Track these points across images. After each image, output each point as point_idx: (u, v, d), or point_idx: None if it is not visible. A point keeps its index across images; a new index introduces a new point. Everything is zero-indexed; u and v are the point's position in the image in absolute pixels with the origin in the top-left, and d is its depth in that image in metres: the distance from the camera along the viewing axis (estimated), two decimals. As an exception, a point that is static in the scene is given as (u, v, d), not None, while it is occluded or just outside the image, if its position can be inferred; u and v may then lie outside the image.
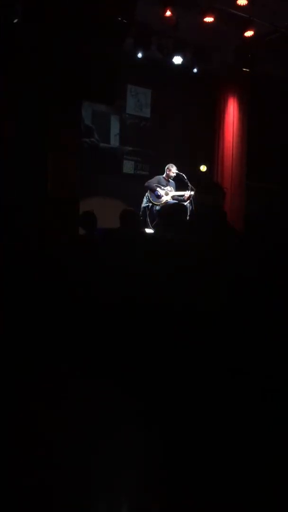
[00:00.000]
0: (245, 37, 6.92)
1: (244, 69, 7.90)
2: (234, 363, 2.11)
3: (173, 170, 7.14)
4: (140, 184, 7.48)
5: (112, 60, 5.75)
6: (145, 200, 7.25)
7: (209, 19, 6.48)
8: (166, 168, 7.21)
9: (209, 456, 2.00)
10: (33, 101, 5.43)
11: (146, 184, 7.23)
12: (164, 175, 7.23)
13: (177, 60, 7.44)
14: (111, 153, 8.35)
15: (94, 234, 4.75)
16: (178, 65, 7.53)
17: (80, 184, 6.22)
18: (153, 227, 6.88)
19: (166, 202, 7.01)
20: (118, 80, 6.26)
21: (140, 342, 2.51)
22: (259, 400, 2.03)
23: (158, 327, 2.42)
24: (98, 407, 2.43)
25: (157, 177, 7.27)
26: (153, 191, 7.12)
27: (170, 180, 7.24)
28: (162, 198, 7.09)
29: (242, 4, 6.30)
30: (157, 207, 7.07)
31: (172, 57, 7.43)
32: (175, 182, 7.28)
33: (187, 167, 7.63)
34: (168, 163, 7.26)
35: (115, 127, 8.44)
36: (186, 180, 7.03)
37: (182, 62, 7.49)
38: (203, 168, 8.50)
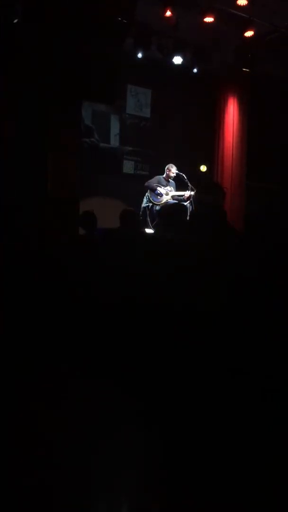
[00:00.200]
0: (245, 37, 6.92)
1: (244, 69, 7.90)
2: (234, 363, 2.11)
3: (173, 170, 7.14)
4: (140, 184, 7.49)
5: (112, 60, 5.75)
6: (145, 200, 7.25)
7: (209, 19, 6.48)
8: (166, 168, 7.21)
9: (209, 456, 2.00)
10: (33, 101, 5.43)
11: (146, 183, 7.23)
12: (164, 175, 7.23)
13: (177, 60, 7.44)
14: (111, 153, 8.35)
15: (94, 234, 4.75)
16: (178, 65, 7.53)
17: (80, 184, 6.22)
18: (153, 227, 6.88)
19: (166, 202, 7.01)
20: (118, 80, 6.26)
21: (140, 342, 2.51)
22: (259, 400, 2.03)
23: (158, 327, 2.42)
24: (98, 407, 2.43)
25: (157, 177, 7.28)
26: (153, 190, 7.12)
27: (170, 180, 7.24)
28: (162, 197, 7.09)
29: (242, 4, 6.30)
30: (157, 207, 7.07)
31: (172, 57, 7.43)
32: (175, 182, 7.28)
33: (187, 167, 7.64)
34: (168, 163, 7.26)
35: (115, 127, 8.44)
36: (186, 180, 7.03)
37: (182, 62, 7.49)
38: (203, 168, 8.51)
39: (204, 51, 7.50)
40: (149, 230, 6.71)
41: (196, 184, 6.90)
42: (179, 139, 8.49)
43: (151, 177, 7.48)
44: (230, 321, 2.19)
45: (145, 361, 2.44)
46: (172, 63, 7.50)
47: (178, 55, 7.40)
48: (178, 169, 7.17)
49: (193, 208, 6.70)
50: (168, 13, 6.32)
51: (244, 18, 6.71)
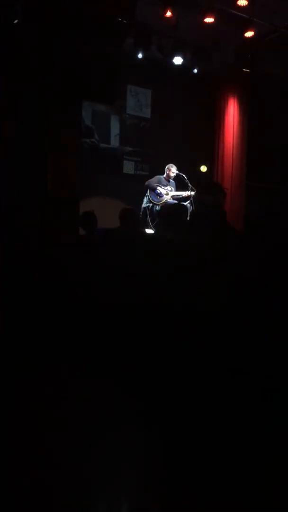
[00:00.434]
0: (245, 37, 6.92)
1: (244, 69, 7.90)
2: (234, 363, 2.11)
3: (173, 170, 7.14)
4: (140, 184, 7.49)
5: (112, 60, 5.75)
6: (145, 200, 7.25)
7: (209, 20, 6.47)
8: (166, 168, 7.21)
9: (209, 456, 2.00)
10: (33, 101, 5.43)
11: (146, 183, 7.23)
12: (164, 175, 7.23)
13: (177, 60, 7.44)
14: (111, 153, 8.35)
15: (94, 234, 4.75)
16: (178, 65, 7.53)
17: (80, 184, 6.22)
18: (153, 227, 6.88)
19: (166, 202, 7.01)
20: (118, 80, 6.26)
21: (140, 342, 2.51)
22: (259, 400, 2.03)
23: (158, 327, 2.42)
24: (98, 407, 2.43)
25: (158, 177, 7.28)
26: (153, 190, 7.12)
27: (171, 180, 7.24)
28: (163, 197, 7.09)
29: (242, 5, 6.30)
30: (157, 207, 7.07)
31: (172, 57, 7.42)
32: (175, 182, 7.28)
33: (187, 167, 7.63)
34: (168, 163, 7.26)
35: (115, 128, 8.44)
36: (186, 180, 7.03)
37: (182, 62, 7.49)
38: (203, 168, 8.51)
39: (204, 51, 7.50)
40: (149, 230, 6.72)
41: (196, 184, 6.90)
42: (179, 139, 8.49)
43: (151, 177, 7.47)
44: (230, 321, 2.19)
45: (145, 361, 2.44)
46: (172, 63, 7.50)
47: (178, 55, 7.40)
48: (178, 169, 7.17)
49: (193, 208, 6.70)
50: (169, 14, 6.31)
51: (244, 18, 6.70)
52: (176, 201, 6.95)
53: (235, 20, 6.71)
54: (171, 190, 7.18)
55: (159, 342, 2.38)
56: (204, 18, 6.47)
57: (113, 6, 5.49)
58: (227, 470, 1.93)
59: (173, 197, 7.14)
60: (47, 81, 5.33)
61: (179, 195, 7.10)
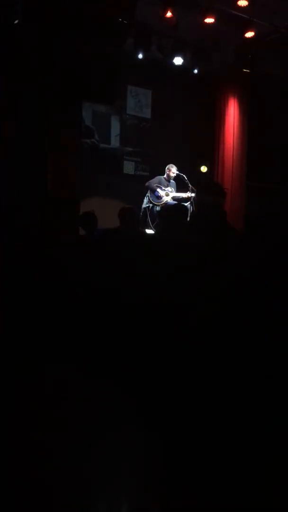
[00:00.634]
0: (245, 37, 6.92)
1: (244, 70, 7.89)
2: (234, 363, 2.11)
3: (173, 170, 7.14)
4: (140, 185, 7.49)
5: (112, 60, 5.75)
6: (145, 200, 7.25)
7: (209, 20, 6.47)
8: (166, 168, 7.21)
9: (209, 456, 2.00)
10: (33, 101, 5.44)
11: (146, 184, 7.23)
12: (164, 176, 7.23)
13: (178, 61, 7.44)
14: (111, 153, 8.35)
15: (94, 234, 4.75)
16: (178, 66, 7.53)
17: (80, 184, 6.22)
18: (153, 228, 6.88)
19: (167, 203, 7.01)
20: (118, 80, 6.27)
21: (140, 342, 2.51)
22: (259, 400, 2.03)
23: (158, 327, 2.42)
24: (98, 407, 2.43)
25: (158, 177, 7.27)
26: (153, 191, 7.12)
27: (171, 181, 7.24)
28: (163, 198, 7.09)
29: (242, 5, 6.29)
30: (158, 208, 7.07)
31: (172, 58, 7.43)
32: (175, 183, 7.28)
33: (187, 167, 7.63)
34: (168, 164, 7.26)
35: (115, 128, 8.44)
36: (187, 181, 7.03)
37: (182, 62, 7.49)
38: (203, 168, 8.51)
39: (204, 51, 7.50)
40: (149, 231, 6.71)
41: (196, 184, 6.90)
42: (179, 140, 8.49)
43: (151, 177, 7.47)
44: (230, 321, 2.19)
45: (145, 361, 2.44)
46: (172, 64, 7.50)
47: (178, 56, 7.40)
48: (178, 170, 7.16)
49: (194, 208, 6.70)
50: (169, 14, 6.30)
51: (244, 18, 6.70)
52: (176, 202, 6.95)
53: (235, 20, 6.71)
54: (171, 191, 7.18)
55: (159, 342, 2.38)
56: (204, 18, 6.47)
57: (113, 6, 5.50)
58: (227, 470, 1.93)
59: (173, 198, 7.14)
60: (47, 81, 5.33)
61: (179, 196, 7.10)
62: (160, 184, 7.15)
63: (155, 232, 6.56)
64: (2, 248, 3.69)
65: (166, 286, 2.47)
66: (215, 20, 6.47)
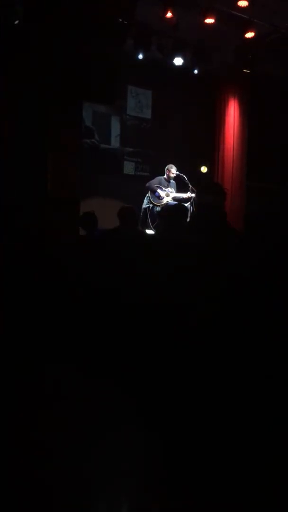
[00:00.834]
0: (245, 37, 6.92)
1: (244, 70, 7.89)
2: (234, 363, 2.11)
3: (172, 170, 7.13)
4: (140, 185, 7.48)
5: (112, 60, 5.75)
6: (145, 201, 7.24)
7: (209, 21, 6.46)
8: (165, 169, 7.20)
9: (209, 456, 2.00)
10: (33, 101, 5.44)
11: (147, 184, 7.22)
12: (164, 176, 7.23)
13: (178, 61, 7.44)
14: (111, 154, 8.35)
15: (95, 234, 4.75)
16: (178, 66, 7.53)
17: (80, 184, 6.22)
18: (153, 228, 6.88)
19: (167, 203, 7.01)
20: (118, 80, 6.27)
21: (140, 342, 2.51)
22: (259, 400, 2.03)
23: (158, 327, 2.42)
24: (98, 407, 2.43)
25: (158, 177, 7.27)
26: (153, 192, 7.12)
27: (171, 181, 7.24)
28: (163, 199, 7.09)
29: (242, 6, 6.29)
30: (158, 208, 7.06)
31: (172, 58, 7.42)
32: (175, 183, 7.28)
33: (187, 167, 7.63)
34: (168, 164, 7.26)
35: (115, 128, 8.44)
36: (187, 181, 7.03)
37: (183, 63, 7.49)
38: (203, 169, 8.50)
39: (204, 51, 7.50)
40: (149, 231, 6.71)
41: (196, 185, 6.89)
42: (179, 140, 8.49)
43: (151, 178, 7.47)
44: (230, 321, 2.19)
45: (145, 361, 2.44)
46: (173, 64, 7.50)
47: (178, 56, 7.39)
48: (178, 170, 7.16)
49: (194, 209, 6.70)
50: (169, 15, 6.29)
51: (245, 19, 6.70)
52: (176, 202, 6.95)
53: (235, 20, 6.70)
54: (171, 191, 7.17)
55: (159, 342, 2.38)
56: (205, 19, 6.46)
57: (113, 6, 5.50)
58: (227, 470, 1.93)
59: (173, 198, 7.13)
60: (47, 81, 5.33)
61: (179, 197, 7.10)
62: (160, 185, 7.15)
63: (155, 232, 6.55)
64: (2, 248, 3.69)
65: (166, 286, 2.47)
66: (215, 20, 6.46)
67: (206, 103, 8.75)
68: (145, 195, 7.27)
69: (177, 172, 7.12)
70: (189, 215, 6.10)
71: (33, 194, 5.46)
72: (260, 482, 1.86)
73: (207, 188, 3.49)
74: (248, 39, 6.93)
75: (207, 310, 2.23)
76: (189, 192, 7.00)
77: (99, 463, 2.06)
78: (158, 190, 7.08)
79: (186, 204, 6.55)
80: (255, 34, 6.84)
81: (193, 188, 6.92)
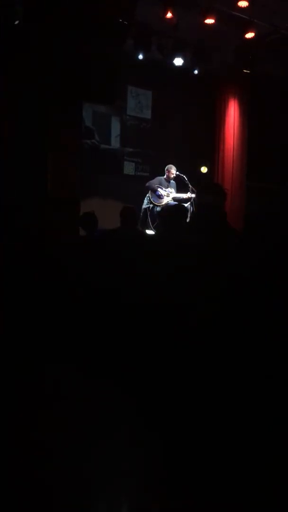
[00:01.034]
0: (246, 38, 6.92)
1: (244, 70, 7.89)
2: (234, 363, 2.11)
3: (172, 171, 7.13)
4: (140, 185, 7.48)
5: (112, 60, 5.75)
6: (146, 201, 7.24)
7: (209, 21, 6.46)
8: (165, 169, 7.20)
9: (209, 456, 2.00)
10: (33, 101, 5.44)
11: (147, 184, 7.22)
12: (164, 177, 7.22)
13: (178, 61, 7.44)
14: (111, 154, 8.35)
15: (95, 235, 4.75)
16: (178, 66, 7.53)
17: (80, 184, 6.22)
18: (153, 228, 6.88)
19: (167, 203, 7.01)
20: (118, 80, 6.27)
21: (140, 342, 2.51)
22: (259, 400, 2.03)
23: (158, 327, 2.42)
24: (98, 407, 2.43)
25: (158, 178, 7.27)
26: (154, 191, 7.12)
27: (171, 181, 7.24)
28: (163, 199, 7.09)
29: (242, 6, 6.29)
30: (158, 208, 7.06)
31: (172, 58, 7.42)
32: (175, 183, 7.28)
33: (187, 167, 7.63)
34: (168, 164, 7.26)
35: (115, 129, 8.44)
36: (187, 181, 7.03)
37: (183, 63, 7.49)
38: (203, 169, 8.50)
39: (204, 51, 7.50)
40: (149, 231, 6.71)
41: (197, 185, 6.90)
42: (179, 140, 8.49)
43: (151, 178, 7.47)
44: (230, 321, 2.19)
45: (145, 361, 2.44)
46: (173, 64, 7.50)
47: (178, 56, 7.39)
48: (178, 170, 7.16)
49: (194, 209, 6.70)
50: (169, 15, 6.29)
51: (245, 19, 6.70)
52: (176, 203, 6.94)
53: (235, 20, 6.70)
54: (171, 192, 7.17)
55: (159, 342, 2.38)
56: (205, 19, 6.46)
57: (113, 6, 5.50)
58: (227, 470, 1.93)
59: (174, 198, 7.13)
60: (47, 81, 5.33)
61: (180, 197, 7.10)
62: (160, 185, 7.15)
63: (155, 232, 6.55)
64: (2, 248, 3.69)
65: (166, 286, 2.47)
66: (215, 20, 6.46)
67: (206, 103, 8.75)
68: (145, 195, 7.27)
69: (177, 173, 7.12)
70: (189, 215, 6.10)
71: (33, 194, 5.46)
72: (260, 482, 1.86)
73: (207, 188, 3.49)
74: (248, 39, 6.92)
75: (207, 310, 2.23)
76: (189, 193, 7.01)
77: (99, 463, 2.06)
78: (159, 189, 7.08)
79: (186, 205, 6.56)
80: (255, 34, 6.84)
81: (193, 189, 6.92)
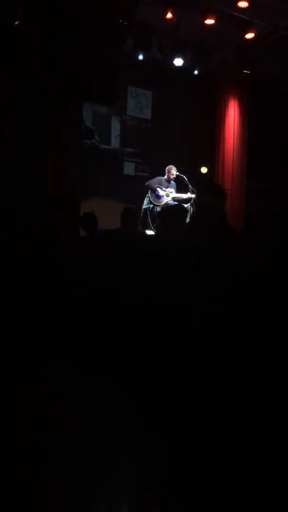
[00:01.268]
0: (246, 38, 6.92)
1: (244, 70, 7.89)
2: (234, 363, 2.11)
3: (172, 172, 7.12)
4: (140, 185, 7.48)
5: (112, 60, 5.75)
6: (145, 201, 7.23)
7: (209, 21, 6.46)
8: (166, 170, 7.19)
9: (209, 456, 2.00)
10: (33, 101, 5.44)
11: (147, 183, 7.21)
12: (165, 177, 7.22)
13: (178, 61, 7.44)
14: (111, 154, 8.34)
15: (95, 235, 4.75)
16: (178, 66, 7.53)
17: (80, 184, 6.22)
18: (153, 228, 6.88)
19: (167, 203, 7.01)
20: (118, 80, 6.27)
21: (140, 342, 2.51)
22: (259, 400, 2.03)
23: (158, 327, 2.42)
24: (98, 407, 2.43)
25: (158, 178, 7.26)
26: (153, 191, 7.11)
27: (171, 182, 7.23)
28: (163, 199, 7.09)
29: (242, 6, 6.29)
30: (158, 208, 7.06)
31: (172, 58, 7.42)
32: (175, 184, 7.27)
33: (188, 167, 7.63)
34: (168, 164, 7.25)
35: (115, 129, 8.44)
36: (187, 182, 7.03)
37: (183, 63, 7.49)
38: (204, 169, 8.50)
39: (204, 52, 7.50)
40: (149, 231, 6.71)
41: (197, 185, 6.90)
42: (179, 140, 8.49)
43: (151, 178, 7.46)
44: (230, 321, 2.19)
45: (145, 361, 2.44)
46: (173, 64, 7.50)
47: (178, 56, 7.39)
48: (178, 170, 7.16)
49: (194, 209, 6.70)
50: (169, 15, 6.29)
51: (245, 19, 6.70)
52: (176, 203, 6.94)
53: (235, 20, 6.70)
54: (171, 192, 7.17)
55: (159, 342, 2.38)
56: (205, 19, 6.46)
57: (113, 6, 5.50)
58: (227, 470, 1.93)
59: (174, 198, 7.13)
60: (47, 81, 5.33)
61: (180, 197, 7.09)
62: (160, 185, 7.15)
63: (155, 232, 6.55)
64: (2, 248, 3.69)
65: (166, 286, 2.47)
66: (215, 20, 6.46)
67: (206, 103, 8.75)
68: (145, 196, 7.27)
69: (177, 173, 7.11)
70: (189, 216, 6.10)
71: (33, 194, 5.46)
72: (260, 482, 1.86)
73: (207, 189, 3.49)
74: (248, 39, 6.93)
75: (207, 310, 2.23)
76: (189, 193, 7.01)
77: (99, 463, 2.06)
78: (158, 189, 7.08)
79: (186, 205, 6.55)
80: (255, 35, 6.84)
81: (193, 189, 6.92)
